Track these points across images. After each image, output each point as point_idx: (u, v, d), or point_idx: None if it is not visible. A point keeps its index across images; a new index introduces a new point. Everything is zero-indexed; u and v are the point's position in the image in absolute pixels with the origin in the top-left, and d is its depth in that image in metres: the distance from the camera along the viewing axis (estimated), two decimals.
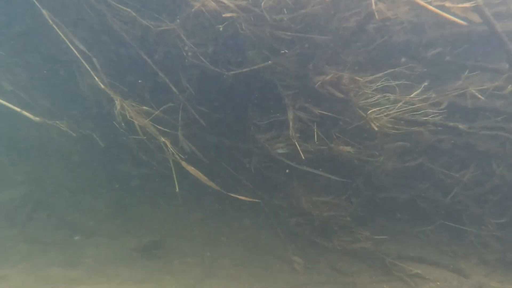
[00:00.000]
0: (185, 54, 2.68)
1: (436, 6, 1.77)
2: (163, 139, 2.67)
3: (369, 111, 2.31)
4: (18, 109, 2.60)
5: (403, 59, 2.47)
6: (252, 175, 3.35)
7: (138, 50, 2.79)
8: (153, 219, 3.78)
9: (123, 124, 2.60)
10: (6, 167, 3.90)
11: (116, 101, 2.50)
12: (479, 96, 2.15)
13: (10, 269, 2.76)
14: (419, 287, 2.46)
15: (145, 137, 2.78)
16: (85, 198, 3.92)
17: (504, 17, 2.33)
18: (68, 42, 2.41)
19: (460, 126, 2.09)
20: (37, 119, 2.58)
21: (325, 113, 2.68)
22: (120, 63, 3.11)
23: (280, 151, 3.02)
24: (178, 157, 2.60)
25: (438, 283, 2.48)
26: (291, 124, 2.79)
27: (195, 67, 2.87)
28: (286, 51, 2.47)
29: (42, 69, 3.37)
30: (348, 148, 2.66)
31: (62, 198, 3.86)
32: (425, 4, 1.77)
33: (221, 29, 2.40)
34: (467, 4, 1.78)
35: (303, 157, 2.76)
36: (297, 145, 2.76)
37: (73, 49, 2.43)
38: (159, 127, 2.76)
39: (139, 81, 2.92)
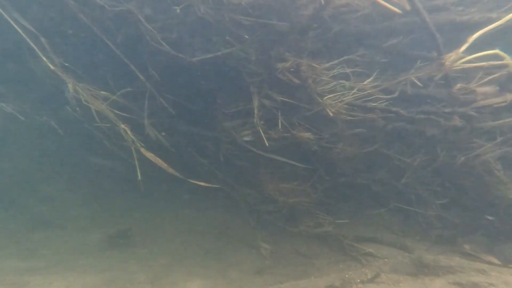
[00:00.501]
0: (148, 38, 2.60)
1: None
2: (122, 125, 2.61)
3: (325, 97, 2.39)
4: None
5: (358, 48, 2.57)
6: (221, 163, 3.36)
7: (99, 33, 2.66)
8: (120, 208, 3.71)
9: (77, 109, 2.50)
10: None
11: (68, 84, 2.39)
12: (418, 83, 2.31)
13: None
14: (370, 264, 2.65)
15: (108, 124, 2.69)
16: (47, 187, 3.77)
17: (441, 9, 2.50)
18: (11, 20, 2.24)
19: (401, 111, 2.24)
20: None
21: (287, 100, 2.73)
22: (80, 46, 2.96)
23: (246, 138, 3.05)
24: (138, 144, 2.55)
25: (386, 259, 2.69)
26: (256, 111, 2.82)
27: (159, 53, 2.80)
28: (247, 37, 2.48)
29: None
30: (307, 135, 2.75)
31: (23, 188, 3.68)
32: None
33: (178, 10, 2.36)
34: None
35: (267, 144, 2.81)
36: (261, 133, 2.80)
37: (17, 28, 2.27)
38: (119, 113, 2.68)
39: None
